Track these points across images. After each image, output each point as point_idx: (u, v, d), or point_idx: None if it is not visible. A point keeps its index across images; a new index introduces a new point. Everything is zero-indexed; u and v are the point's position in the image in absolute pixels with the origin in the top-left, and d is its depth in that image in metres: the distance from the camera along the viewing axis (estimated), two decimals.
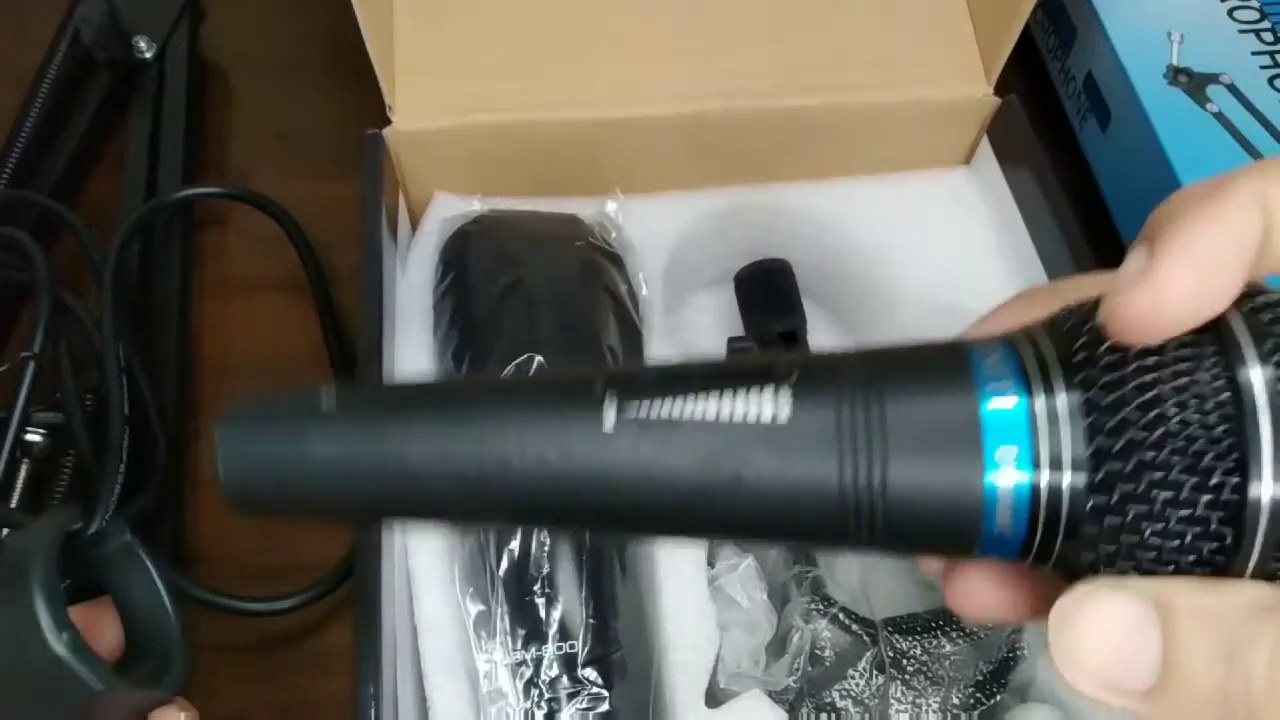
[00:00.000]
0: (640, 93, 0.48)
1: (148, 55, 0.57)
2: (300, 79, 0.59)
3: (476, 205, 0.48)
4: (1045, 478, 0.17)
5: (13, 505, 0.43)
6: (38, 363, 0.43)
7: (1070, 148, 0.58)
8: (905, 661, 0.38)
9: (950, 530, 0.18)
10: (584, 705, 0.36)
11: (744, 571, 0.40)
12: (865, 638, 0.38)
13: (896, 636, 0.38)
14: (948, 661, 0.38)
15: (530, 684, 0.36)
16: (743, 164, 0.50)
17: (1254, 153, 0.50)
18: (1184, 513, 0.17)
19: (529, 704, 0.36)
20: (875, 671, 0.38)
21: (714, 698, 0.38)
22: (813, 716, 0.38)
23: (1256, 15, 0.55)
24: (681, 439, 0.19)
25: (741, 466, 0.18)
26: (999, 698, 0.38)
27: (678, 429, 0.19)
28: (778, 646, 0.39)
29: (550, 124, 0.47)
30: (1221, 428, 0.16)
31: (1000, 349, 0.19)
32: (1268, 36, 0.54)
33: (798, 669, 0.38)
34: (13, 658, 0.20)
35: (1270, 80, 0.52)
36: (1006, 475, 0.18)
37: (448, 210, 0.48)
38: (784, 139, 0.50)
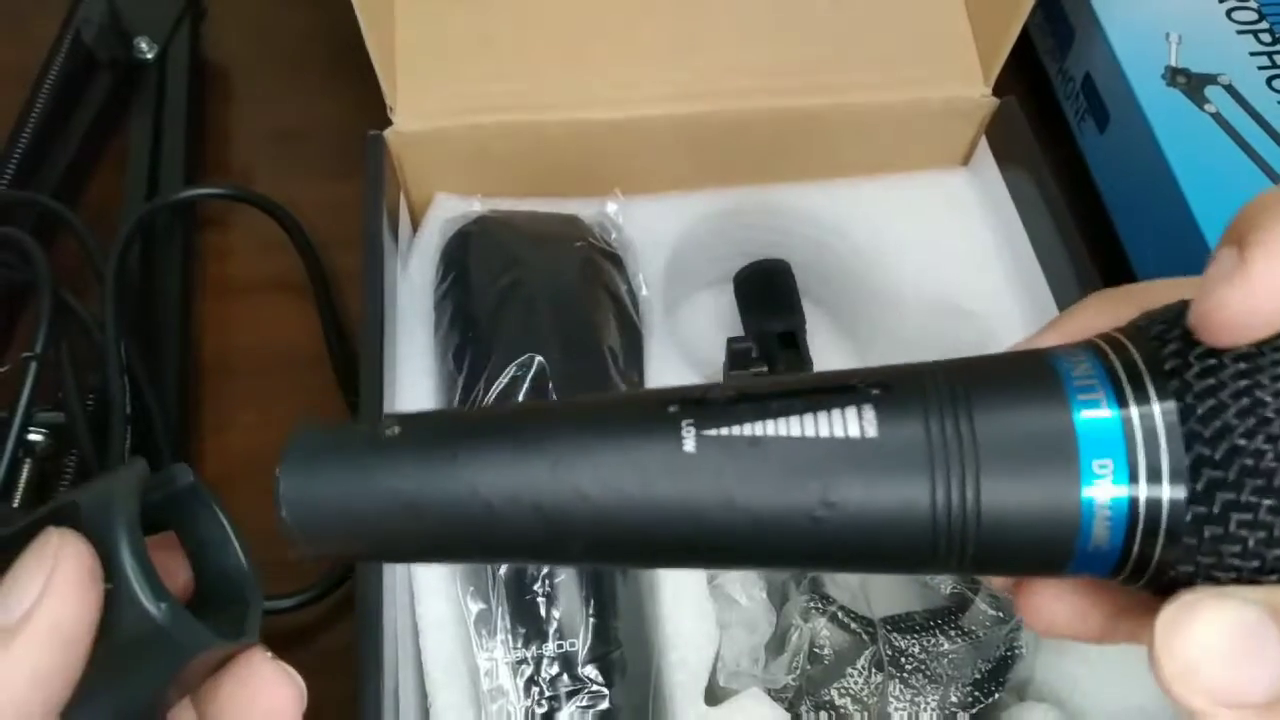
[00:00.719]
0: (640, 93, 0.48)
1: (149, 56, 0.57)
2: (302, 80, 0.59)
3: (477, 206, 0.48)
4: (1144, 491, 0.17)
5: (15, 505, 0.43)
6: (40, 363, 0.43)
7: (1068, 148, 0.58)
8: (904, 660, 0.38)
9: (1044, 548, 0.17)
10: (584, 703, 0.36)
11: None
12: (864, 636, 0.38)
13: (895, 635, 0.38)
14: (946, 660, 0.38)
15: (531, 682, 0.36)
16: (742, 164, 0.50)
17: (1252, 154, 0.50)
18: None
19: (529, 702, 0.36)
20: (874, 670, 0.38)
21: (713, 696, 0.39)
22: (812, 714, 0.38)
23: (1254, 16, 0.55)
24: (765, 458, 0.18)
25: (828, 485, 0.17)
26: (997, 696, 0.38)
27: (760, 447, 0.18)
28: (777, 645, 0.39)
29: (551, 124, 0.48)
30: None
31: (1087, 357, 0.18)
32: (1265, 37, 0.54)
33: (797, 667, 0.38)
34: (104, 627, 0.19)
35: (1268, 81, 0.53)
36: (1103, 490, 0.17)
37: (448, 211, 0.48)
38: (783, 139, 0.50)
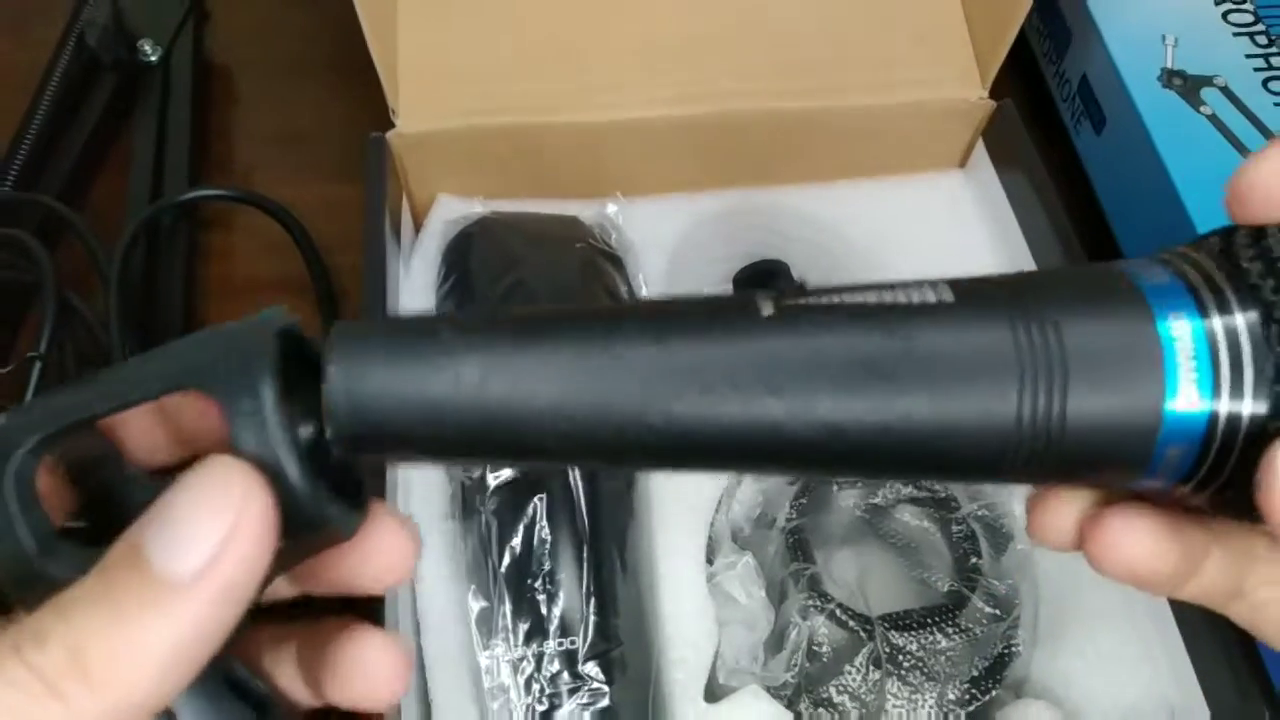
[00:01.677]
0: (641, 95, 0.48)
1: (153, 58, 0.58)
2: (304, 82, 0.60)
3: (478, 207, 0.48)
4: (1226, 405, 0.17)
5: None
6: (43, 363, 0.43)
7: (1065, 151, 0.58)
8: (901, 657, 0.38)
9: (1124, 454, 0.17)
10: (585, 701, 0.37)
11: (742, 569, 0.40)
12: (862, 634, 0.38)
13: (893, 632, 0.38)
14: (944, 657, 0.38)
15: (531, 680, 0.37)
16: (742, 166, 0.50)
17: (1248, 156, 0.50)
18: None
19: (530, 699, 0.37)
20: (872, 667, 0.38)
21: (713, 693, 0.39)
22: (810, 712, 0.38)
23: (1250, 18, 0.55)
24: (846, 316, 0.17)
25: (910, 343, 0.17)
26: (994, 693, 0.39)
27: (840, 311, 0.17)
28: (775, 642, 0.39)
29: (552, 126, 0.48)
30: None
31: (1163, 269, 0.18)
32: (1262, 39, 0.54)
33: (795, 665, 0.38)
34: None
35: (1264, 83, 0.53)
36: (1188, 399, 0.17)
37: (450, 212, 0.48)
38: (783, 141, 0.50)
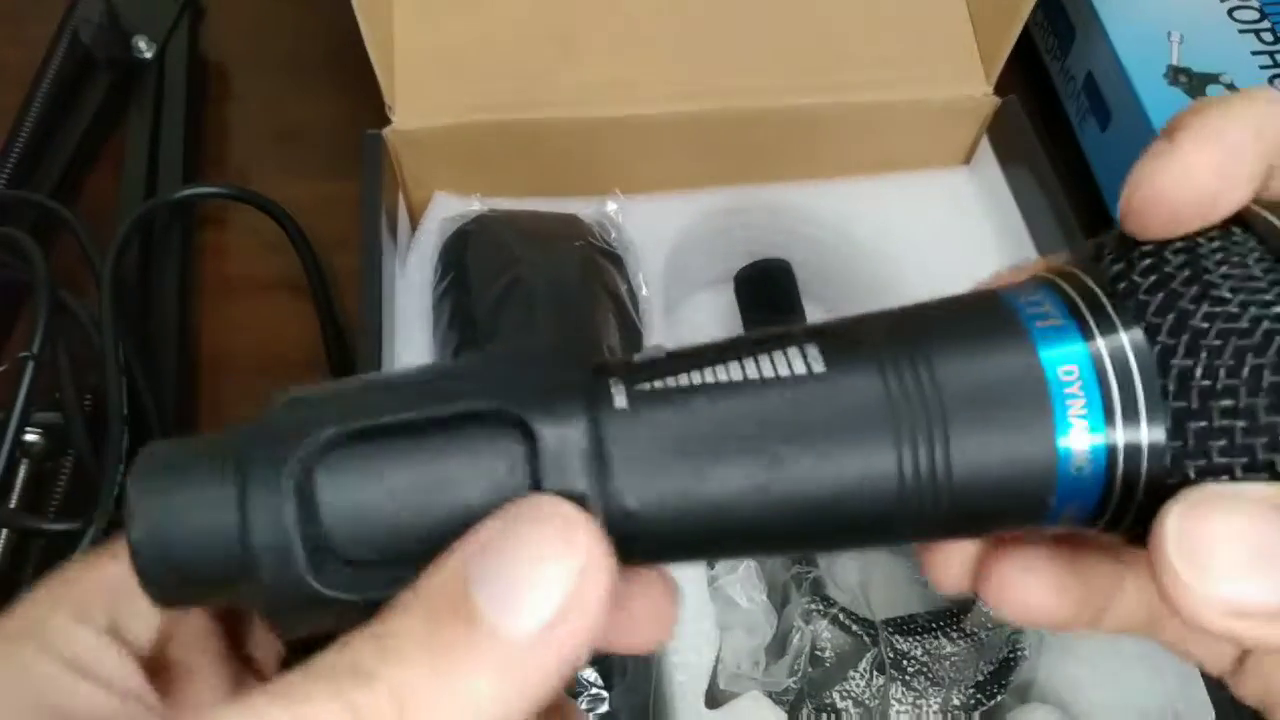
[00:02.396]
0: (640, 92, 0.48)
1: (147, 55, 0.57)
2: (300, 78, 0.59)
3: (476, 205, 0.48)
4: (1121, 434, 0.15)
5: (12, 505, 0.43)
6: (37, 363, 0.43)
7: (1070, 147, 0.58)
8: (906, 662, 0.38)
9: (1020, 499, 0.16)
10: (584, 706, 0.36)
11: (744, 573, 0.40)
12: (865, 638, 0.38)
13: (897, 637, 0.38)
14: (948, 662, 0.38)
15: None
16: (743, 164, 0.50)
17: None
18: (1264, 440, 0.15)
19: None
20: (875, 672, 0.38)
21: (714, 699, 0.38)
22: (813, 717, 0.38)
23: (1256, 15, 0.55)
24: (707, 400, 0.16)
25: (780, 431, 0.16)
26: (999, 698, 0.38)
27: (699, 394, 0.16)
28: (777, 647, 0.39)
29: (550, 123, 0.47)
30: None
31: (1042, 290, 0.17)
32: (1267, 36, 0.54)
33: (798, 670, 0.38)
34: None
35: (1270, 80, 0.52)
36: (1080, 434, 0.15)
37: (447, 210, 0.48)
38: (784, 139, 0.50)
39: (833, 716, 0.38)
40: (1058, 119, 0.59)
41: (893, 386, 0.16)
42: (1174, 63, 0.53)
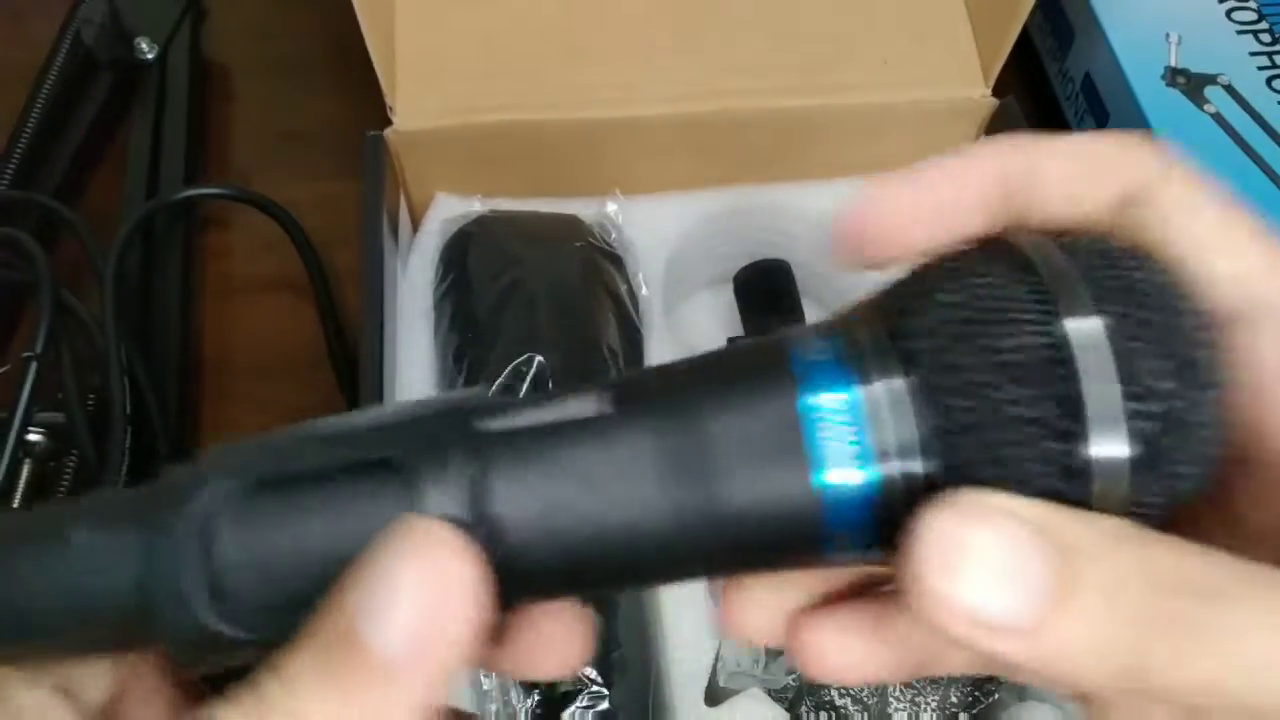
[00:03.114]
0: (640, 93, 0.48)
1: (149, 56, 0.57)
2: (302, 79, 0.59)
3: (477, 205, 0.48)
4: (881, 467, 0.16)
5: (15, 505, 0.43)
6: (40, 363, 0.43)
7: None
8: None
9: (792, 535, 0.17)
10: (584, 704, 0.36)
11: None
12: None
13: None
14: None
15: (530, 683, 0.36)
16: (743, 164, 0.50)
17: (1252, 153, 0.50)
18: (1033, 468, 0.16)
19: (530, 703, 0.36)
20: None
21: (713, 696, 0.39)
22: (812, 715, 0.38)
23: (1254, 16, 0.55)
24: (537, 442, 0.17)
25: (561, 469, 0.17)
26: (997, 696, 0.38)
27: (544, 434, 0.18)
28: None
29: (550, 124, 0.48)
30: (1051, 392, 0.16)
31: (820, 338, 0.18)
32: (1265, 37, 0.54)
33: (797, 668, 0.38)
34: None
35: (1268, 81, 0.52)
36: (843, 471, 0.17)
37: (448, 211, 0.48)
38: (784, 139, 0.50)
39: (832, 714, 0.38)
40: (1056, 120, 0.59)
41: (667, 438, 0.17)
42: (1172, 64, 0.53)
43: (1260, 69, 0.53)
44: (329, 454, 0.18)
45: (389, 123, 0.46)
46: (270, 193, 0.52)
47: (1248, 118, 0.51)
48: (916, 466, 0.16)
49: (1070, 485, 0.16)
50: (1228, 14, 0.55)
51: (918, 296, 0.17)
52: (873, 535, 0.17)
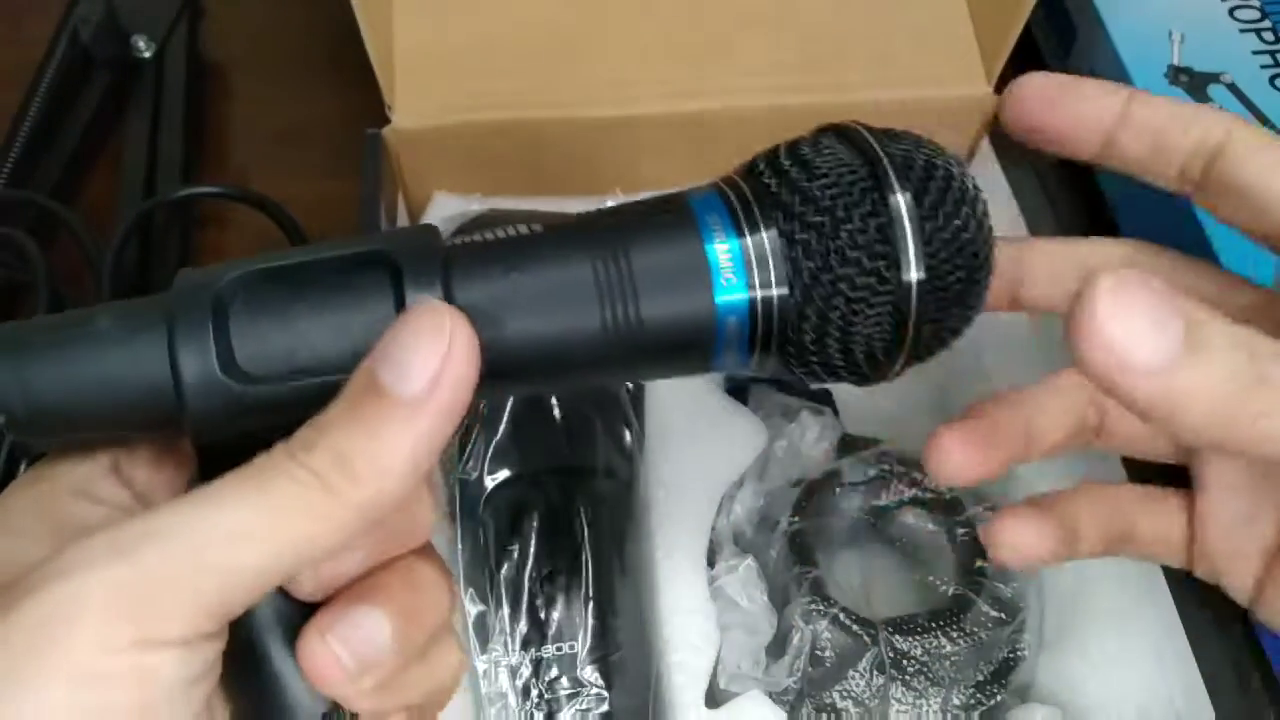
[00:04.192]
0: (640, 91, 0.48)
1: (146, 54, 0.57)
2: (299, 78, 0.59)
3: (476, 205, 0.48)
4: (759, 292, 0.23)
5: None
6: None
7: None
8: (906, 662, 0.38)
9: (695, 336, 0.23)
10: (584, 706, 0.36)
11: (744, 572, 0.40)
12: (865, 638, 0.38)
13: (897, 637, 0.38)
14: (948, 662, 0.38)
15: (529, 685, 0.36)
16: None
17: None
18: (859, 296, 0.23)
19: (529, 705, 0.36)
20: (875, 672, 0.38)
21: (714, 698, 0.38)
22: (813, 717, 0.38)
23: (1257, 14, 0.55)
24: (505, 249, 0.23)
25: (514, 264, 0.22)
26: (1000, 698, 0.38)
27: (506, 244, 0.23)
28: (778, 647, 0.39)
29: (550, 122, 0.47)
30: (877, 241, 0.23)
31: (714, 195, 0.24)
32: (1269, 36, 0.54)
33: (798, 670, 0.38)
34: None
35: (1271, 79, 0.52)
36: (732, 293, 0.23)
37: (447, 210, 0.48)
38: (786, 137, 0.50)
39: (833, 716, 0.38)
40: None
41: (598, 264, 0.23)
42: (1175, 62, 0.53)
43: (1263, 67, 0.53)
44: (322, 253, 0.22)
45: (387, 121, 0.46)
46: (268, 191, 0.52)
47: (1251, 116, 0.51)
48: (775, 291, 0.23)
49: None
50: (1231, 12, 0.55)
51: (782, 166, 0.24)
52: (749, 341, 0.23)
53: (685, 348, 0.23)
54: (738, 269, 0.23)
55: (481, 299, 0.22)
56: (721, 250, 0.23)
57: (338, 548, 0.20)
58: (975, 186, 0.25)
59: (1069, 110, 0.27)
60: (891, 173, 0.23)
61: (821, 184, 0.23)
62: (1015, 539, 0.27)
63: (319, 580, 0.22)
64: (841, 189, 0.23)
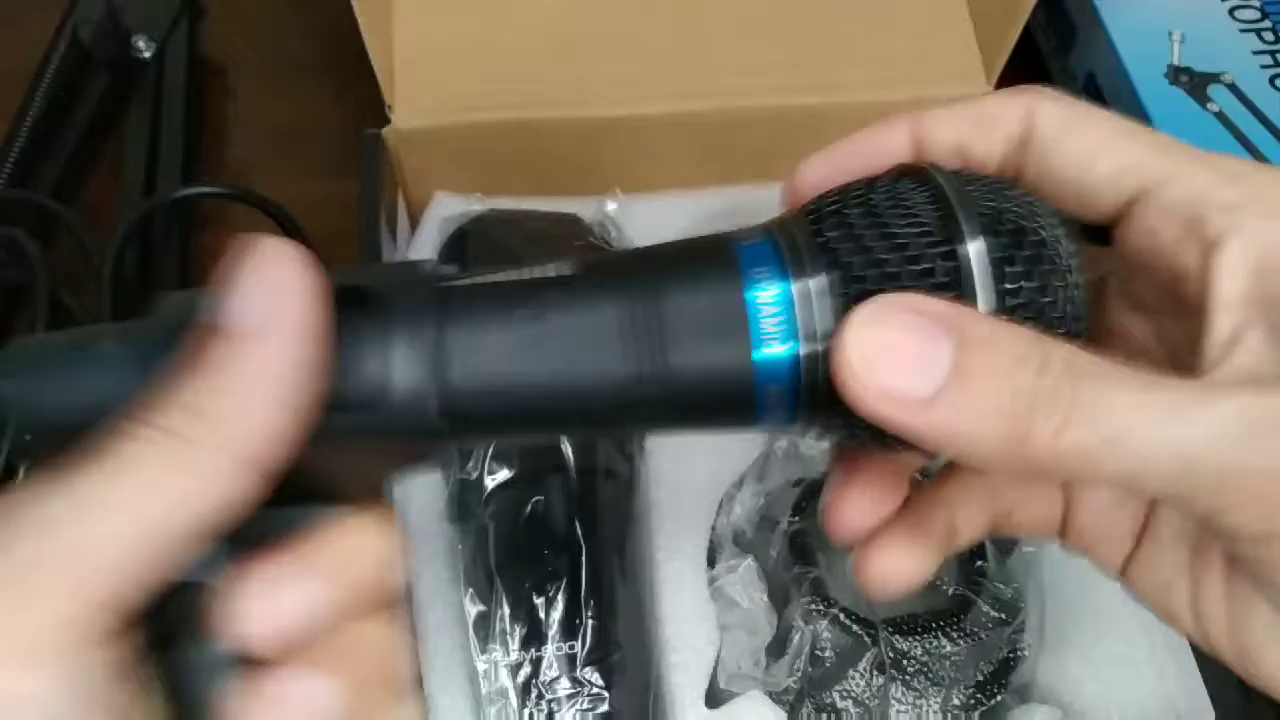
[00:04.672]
0: (640, 92, 0.48)
1: (146, 54, 0.57)
2: (299, 78, 0.59)
3: (476, 204, 0.48)
4: (805, 347, 0.20)
5: None
6: None
7: None
8: (906, 662, 0.38)
9: (731, 397, 0.21)
10: (584, 706, 0.36)
11: (744, 572, 0.40)
12: (866, 638, 0.38)
13: (897, 637, 0.38)
14: (948, 662, 0.38)
15: (530, 684, 0.36)
16: (743, 163, 0.50)
17: (1255, 152, 0.50)
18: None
19: (529, 705, 0.36)
20: (876, 672, 0.38)
21: (714, 698, 0.38)
22: (813, 717, 0.38)
23: (1257, 15, 0.55)
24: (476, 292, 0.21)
25: (534, 309, 0.21)
26: (999, 698, 0.38)
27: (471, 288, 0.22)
28: (778, 647, 0.39)
29: (550, 123, 0.47)
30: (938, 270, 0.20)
31: (762, 237, 0.21)
32: (1268, 36, 0.54)
33: (798, 670, 0.38)
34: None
35: (1271, 79, 0.52)
36: (775, 348, 0.20)
37: (447, 209, 0.48)
38: (784, 137, 0.50)
39: (833, 716, 0.38)
40: None
41: (625, 309, 0.21)
42: (1175, 62, 0.53)
43: (1264, 67, 0.53)
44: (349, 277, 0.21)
45: (387, 121, 0.46)
46: (268, 191, 0.52)
47: (1251, 116, 0.51)
48: (825, 345, 0.20)
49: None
50: (1231, 12, 0.55)
51: (845, 214, 0.21)
52: (793, 398, 0.20)
53: (716, 406, 0.21)
54: (783, 321, 0.20)
55: (492, 342, 0.21)
56: (765, 297, 0.20)
57: (227, 501, 0.19)
58: (1070, 252, 0.21)
59: (857, 166, 0.24)
60: (966, 230, 0.20)
61: (886, 243, 0.20)
62: (885, 571, 0.24)
63: (266, 633, 0.20)
64: (909, 249, 0.20)
